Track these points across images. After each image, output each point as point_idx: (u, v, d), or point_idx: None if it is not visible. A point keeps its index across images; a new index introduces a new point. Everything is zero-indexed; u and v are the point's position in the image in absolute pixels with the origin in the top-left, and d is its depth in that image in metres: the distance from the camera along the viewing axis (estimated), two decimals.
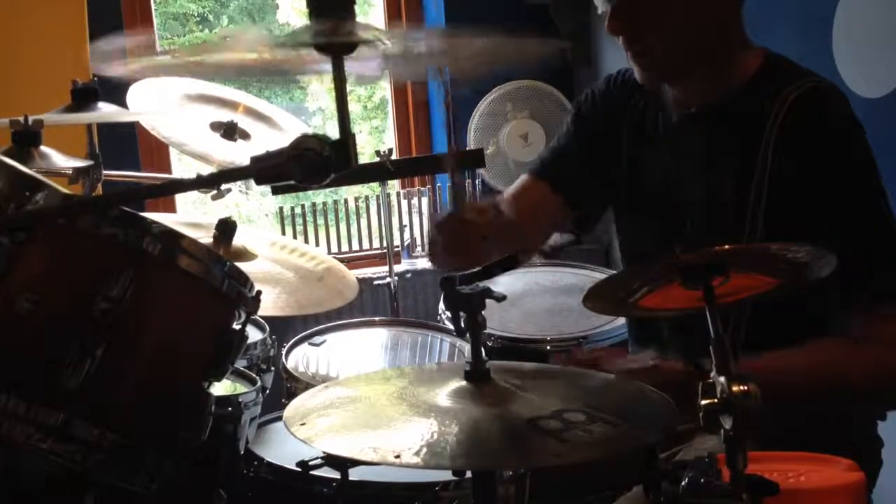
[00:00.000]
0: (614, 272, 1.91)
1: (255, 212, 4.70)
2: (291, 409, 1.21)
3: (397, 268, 3.02)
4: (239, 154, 2.26)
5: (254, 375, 1.92)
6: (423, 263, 3.48)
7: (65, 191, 1.30)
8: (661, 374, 1.35)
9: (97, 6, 2.94)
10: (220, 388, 1.71)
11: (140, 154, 3.26)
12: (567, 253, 3.10)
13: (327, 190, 3.39)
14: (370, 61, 1.03)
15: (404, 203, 3.48)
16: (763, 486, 1.00)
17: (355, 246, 3.49)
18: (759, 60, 1.53)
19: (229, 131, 2.34)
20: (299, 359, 2.10)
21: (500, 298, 1.23)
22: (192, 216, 2.77)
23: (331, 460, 1.28)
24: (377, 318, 2.46)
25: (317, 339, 2.20)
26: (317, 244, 3.38)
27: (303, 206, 3.42)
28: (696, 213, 1.56)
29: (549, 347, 2.25)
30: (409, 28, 3.45)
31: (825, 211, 1.42)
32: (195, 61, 1.00)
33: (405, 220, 3.49)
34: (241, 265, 1.42)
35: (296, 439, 1.12)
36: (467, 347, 1.20)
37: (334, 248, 3.42)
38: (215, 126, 2.36)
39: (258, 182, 0.95)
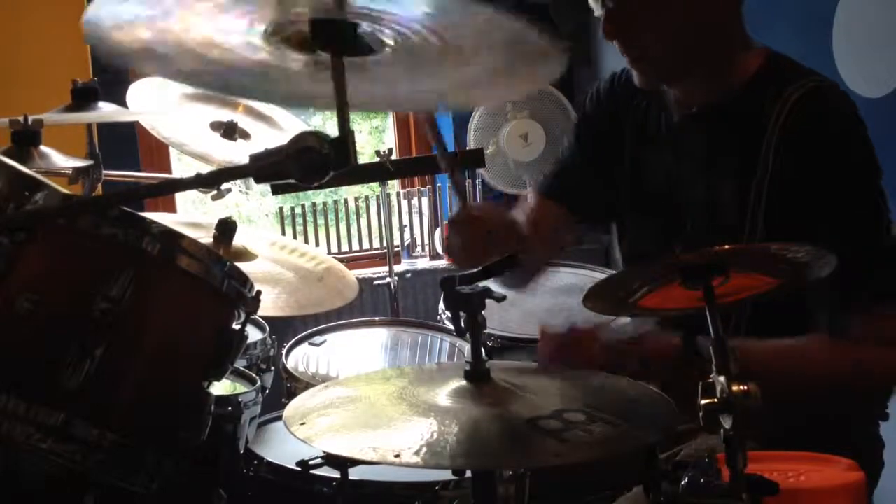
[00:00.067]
0: (614, 272, 1.91)
1: (255, 212, 4.70)
2: (291, 409, 1.21)
3: (397, 268, 3.02)
4: (239, 154, 2.26)
5: (254, 375, 1.92)
6: (423, 263, 3.48)
7: (65, 191, 1.30)
8: (648, 346, 1.36)
9: None
10: (220, 388, 1.72)
11: (140, 154, 3.26)
12: (567, 253, 3.10)
13: (327, 190, 3.39)
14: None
15: (404, 203, 3.49)
16: (763, 486, 1.00)
17: (355, 246, 3.49)
18: (760, 60, 1.53)
19: (229, 131, 2.34)
20: (299, 359, 2.10)
21: (500, 298, 1.23)
22: (192, 216, 2.76)
23: (331, 460, 1.28)
24: (377, 318, 2.47)
25: (317, 339, 2.20)
26: (317, 244, 3.38)
27: (303, 206, 3.42)
28: (696, 214, 1.56)
29: None
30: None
31: (825, 211, 1.41)
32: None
33: (405, 220, 3.49)
34: (241, 265, 1.42)
35: (296, 439, 1.12)
36: (467, 347, 1.20)
37: (334, 248, 3.42)
38: (215, 126, 2.36)
39: (257, 180, 0.95)
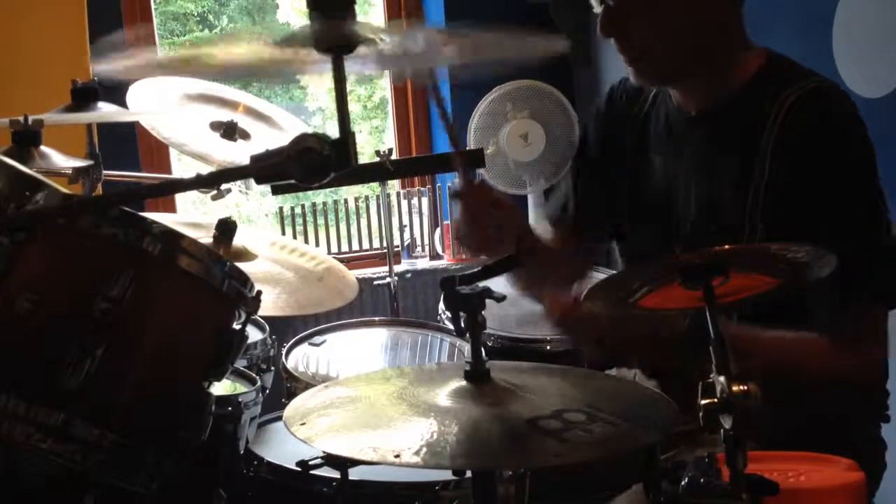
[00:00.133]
0: (614, 272, 1.91)
1: (255, 212, 4.71)
2: (291, 409, 1.21)
3: (397, 268, 3.02)
4: (239, 154, 2.26)
5: (254, 375, 1.92)
6: (423, 263, 3.48)
7: (65, 191, 1.30)
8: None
9: (97, 6, 2.94)
10: (220, 388, 1.71)
11: (140, 154, 3.26)
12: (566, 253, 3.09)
13: (327, 190, 3.39)
14: (369, 60, 1.03)
15: (404, 203, 3.49)
16: (763, 486, 1.00)
17: (355, 246, 3.49)
18: (760, 60, 1.53)
19: (229, 131, 2.34)
20: (299, 359, 2.10)
21: (500, 298, 1.23)
22: (192, 216, 2.77)
23: (331, 460, 1.28)
24: (377, 318, 2.46)
25: (317, 339, 2.20)
26: (317, 244, 3.38)
27: (303, 206, 3.42)
28: (696, 216, 1.56)
29: (549, 347, 2.25)
30: (409, 26, 3.44)
31: (824, 212, 1.41)
32: (194, 61, 1.00)
33: (405, 220, 3.49)
34: (241, 265, 1.42)
35: (296, 439, 1.12)
36: (467, 347, 1.20)
37: (334, 248, 3.42)
38: (215, 126, 2.36)
39: (258, 181, 0.95)
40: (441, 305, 2.36)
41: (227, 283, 1.31)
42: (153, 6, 3.33)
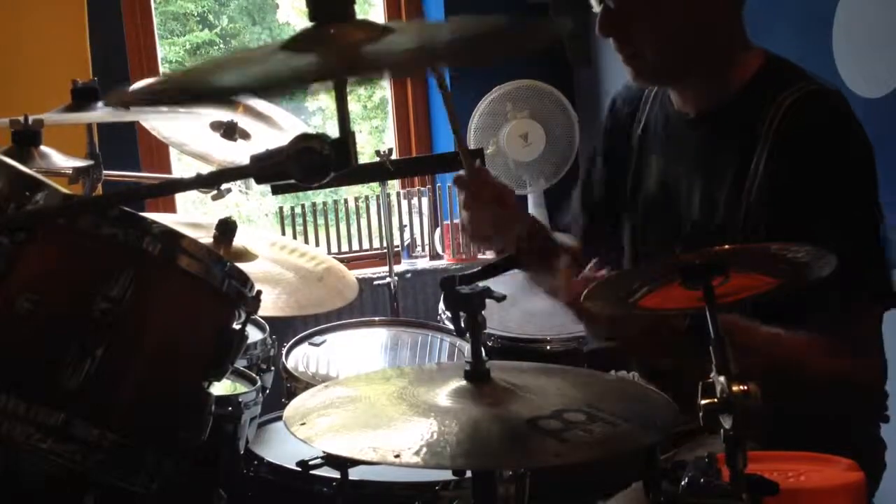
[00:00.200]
0: (615, 272, 1.91)
1: (255, 212, 4.70)
2: (291, 409, 1.21)
3: (397, 268, 3.02)
4: (239, 154, 2.26)
5: (254, 375, 1.92)
6: (423, 263, 3.48)
7: (65, 191, 1.30)
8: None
9: (97, 6, 2.94)
10: (220, 388, 1.71)
11: (140, 154, 3.26)
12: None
13: (327, 190, 3.39)
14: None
15: (404, 203, 3.48)
16: (763, 486, 1.00)
17: (355, 246, 3.49)
18: (758, 61, 1.53)
19: (229, 131, 2.34)
20: (299, 359, 2.10)
21: (500, 298, 1.23)
22: (192, 216, 2.77)
23: (331, 460, 1.28)
24: (377, 318, 2.47)
25: (317, 339, 2.20)
26: (317, 244, 3.37)
27: (303, 206, 3.42)
28: (696, 216, 1.56)
29: (549, 347, 2.25)
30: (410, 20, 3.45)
31: (822, 214, 1.41)
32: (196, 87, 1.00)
33: (405, 220, 3.49)
34: (242, 265, 1.42)
35: (296, 439, 1.12)
36: (467, 347, 1.21)
37: (334, 248, 3.42)
38: (215, 126, 2.36)
39: (258, 181, 0.95)
40: (441, 305, 2.36)
41: (227, 283, 1.31)
42: (153, 6, 3.33)
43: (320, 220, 3.42)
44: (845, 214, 1.41)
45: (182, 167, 3.48)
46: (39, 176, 1.30)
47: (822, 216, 1.40)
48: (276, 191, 2.41)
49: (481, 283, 1.22)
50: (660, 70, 1.55)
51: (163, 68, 3.49)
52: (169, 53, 4.54)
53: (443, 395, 1.16)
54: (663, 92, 1.66)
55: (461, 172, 1.67)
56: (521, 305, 2.40)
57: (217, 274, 1.30)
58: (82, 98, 2.15)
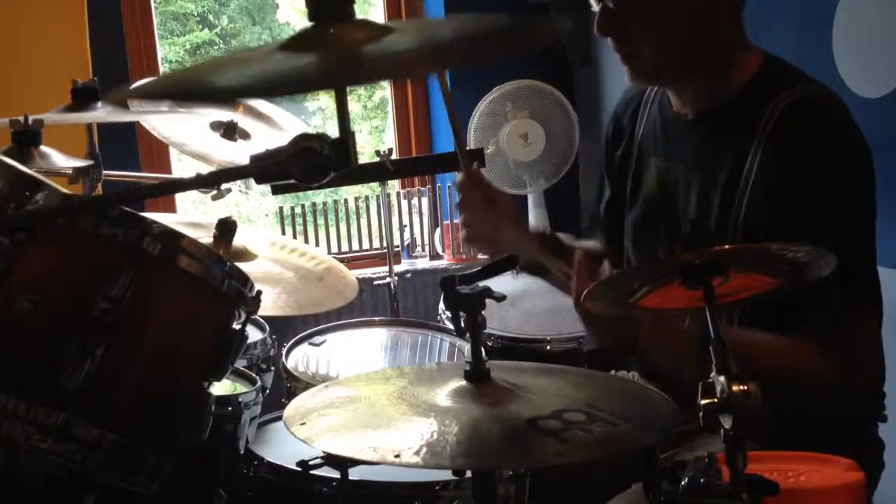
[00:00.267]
0: (615, 272, 1.91)
1: (255, 212, 4.70)
2: (291, 409, 1.21)
3: (397, 268, 3.02)
4: (239, 154, 2.26)
5: (254, 375, 1.92)
6: (423, 263, 3.48)
7: (65, 191, 1.30)
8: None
9: (97, 6, 2.94)
10: (220, 388, 1.71)
11: (140, 154, 3.26)
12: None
13: (327, 190, 3.39)
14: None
15: (404, 203, 3.49)
16: (763, 486, 1.00)
17: (355, 246, 3.49)
18: (757, 62, 1.53)
19: (229, 131, 2.34)
20: (299, 359, 2.10)
21: (500, 298, 1.23)
22: (192, 216, 2.76)
23: (331, 460, 1.28)
24: (377, 318, 2.47)
25: (317, 339, 2.20)
26: (317, 244, 3.38)
27: (303, 206, 3.42)
28: (695, 216, 1.56)
29: (549, 347, 2.25)
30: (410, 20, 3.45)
31: (814, 220, 1.41)
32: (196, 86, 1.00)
33: (405, 220, 3.49)
34: (241, 265, 1.42)
35: (296, 439, 1.12)
36: (467, 347, 1.21)
37: (334, 248, 3.42)
38: (215, 126, 2.36)
39: (258, 181, 0.95)
40: (441, 305, 2.36)
41: (227, 283, 1.31)
42: (153, 6, 3.33)
43: (320, 220, 3.42)
44: (843, 218, 1.41)
45: (182, 167, 3.48)
46: (39, 176, 1.30)
47: (820, 220, 1.40)
48: (276, 191, 2.41)
49: (481, 283, 1.22)
50: (658, 70, 1.55)
51: (163, 68, 3.49)
52: (169, 53, 4.54)
53: (443, 395, 1.16)
54: (662, 93, 1.66)
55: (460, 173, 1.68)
56: (521, 305, 2.40)
57: (217, 274, 1.30)
58: (82, 98, 2.15)
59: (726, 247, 1.08)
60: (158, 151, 3.31)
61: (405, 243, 3.50)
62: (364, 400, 1.21)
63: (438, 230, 3.51)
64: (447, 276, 1.22)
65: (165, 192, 2.69)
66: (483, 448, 1.06)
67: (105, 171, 2.25)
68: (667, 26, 1.49)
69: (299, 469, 1.32)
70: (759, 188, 1.44)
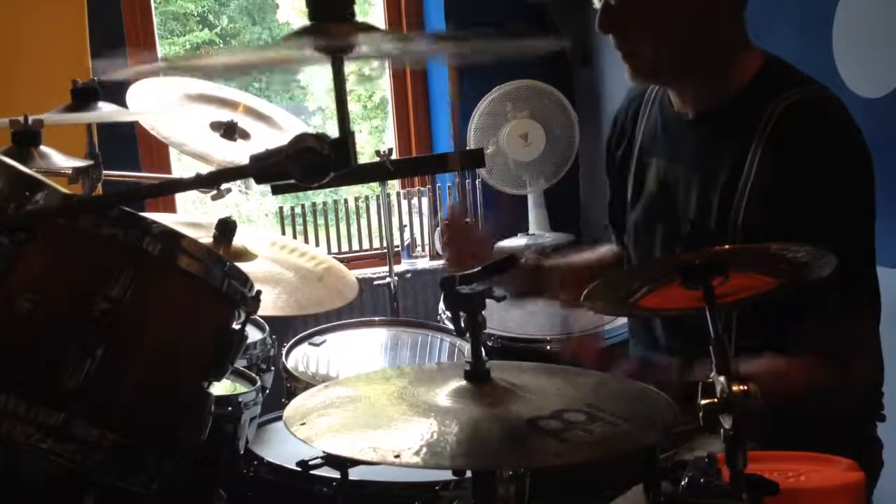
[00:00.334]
0: (615, 272, 1.91)
1: (255, 212, 4.70)
2: (291, 409, 1.21)
3: (397, 268, 3.02)
4: (239, 154, 2.26)
5: (254, 375, 1.92)
6: (423, 263, 3.48)
7: (65, 191, 1.30)
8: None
9: (97, 6, 2.94)
10: (220, 388, 1.71)
11: (140, 154, 3.26)
12: (567, 253, 3.09)
13: (327, 190, 3.39)
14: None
15: (404, 203, 3.49)
16: (763, 486, 1.00)
17: (355, 246, 3.49)
18: (758, 62, 1.53)
19: (229, 131, 2.34)
20: (299, 359, 2.10)
21: (500, 298, 1.23)
22: (192, 216, 2.77)
23: (331, 460, 1.28)
24: (377, 318, 2.47)
25: (317, 339, 2.20)
26: (317, 244, 3.38)
27: (303, 206, 3.42)
28: (695, 216, 1.56)
29: (549, 347, 2.25)
30: (409, 30, 3.45)
31: (813, 221, 1.41)
32: (195, 65, 1.00)
33: (405, 220, 3.49)
34: (241, 265, 1.42)
35: (296, 439, 1.12)
36: (467, 347, 1.20)
37: (334, 248, 3.42)
38: (215, 126, 2.36)
39: (258, 181, 0.95)
40: (441, 305, 2.36)
41: (227, 283, 1.31)
42: (153, 6, 3.33)
43: (320, 220, 3.42)
44: (843, 218, 1.42)
45: (182, 167, 3.48)
46: (39, 176, 1.30)
47: (820, 220, 1.40)
48: (276, 191, 2.40)
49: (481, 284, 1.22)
50: (658, 69, 1.55)
51: None
52: (169, 53, 4.54)
53: (443, 395, 1.16)
54: (663, 93, 1.66)
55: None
56: (521, 305, 2.40)
57: (217, 274, 1.30)
58: (82, 98, 2.15)
59: (726, 247, 1.08)
60: (158, 151, 3.31)
61: (405, 243, 3.50)
62: (364, 400, 1.21)
63: (438, 230, 3.51)
64: (447, 276, 1.22)
65: (165, 192, 2.69)
66: (483, 448, 1.06)
67: (105, 171, 2.25)
68: (667, 26, 1.49)
69: (299, 469, 1.32)
70: (759, 189, 1.44)
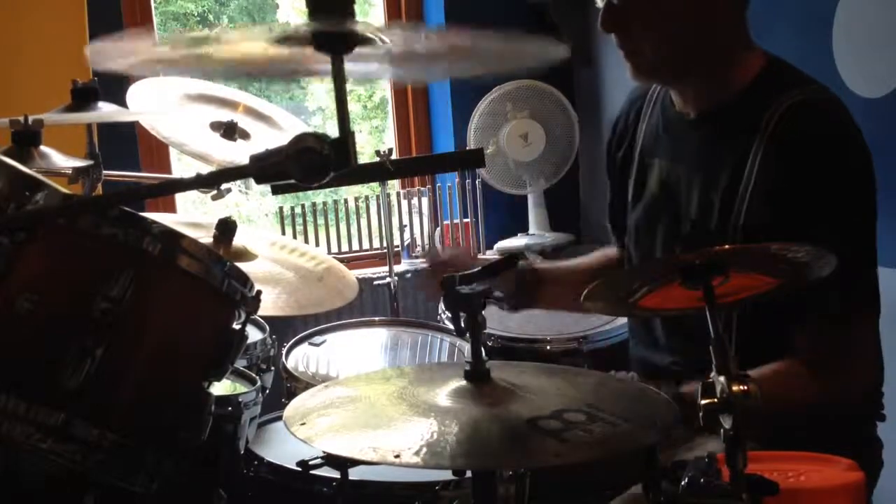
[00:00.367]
0: (615, 272, 1.92)
1: (255, 212, 4.70)
2: (291, 409, 1.21)
3: (397, 268, 3.02)
4: (239, 154, 2.26)
5: (254, 375, 1.92)
6: (424, 263, 3.47)
7: (65, 191, 1.30)
8: None
9: (97, 6, 2.94)
10: (220, 388, 1.71)
11: (140, 154, 3.25)
12: (567, 253, 3.09)
13: (327, 190, 3.39)
14: (370, 62, 1.03)
15: (404, 203, 3.48)
16: (763, 486, 1.00)
17: (355, 246, 3.49)
18: (759, 63, 1.53)
19: (229, 131, 2.34)
20: (299, 359, 2.10)
21: (500, 298, 1.23)
22: (192, 216, 2.76)
23: (331, 460, 1.28)
24: (377, 318, 2.46)
25: (317, 339, 2.20)
26: (317, 244, 3.37)
27: (303, 206, 3.42)
28: (696, 216, 1.56)
29: (549, 347, 2.25)
30: (409, 26, 3.44)
31: (813, 222, 1.41)
32: (194, 55, 1.00)
33: (405, 220, 3.49)
34: (241, 265, 1.42)
35: (296, 439, 1.12)
36: (467, 347, 1.20)
37: (334, 248, 3.42)
38: (215, 126, 2.36)
39: (258, 181, 0.95)
40: (441, 305, 2.36)
41: (227, 283, 1.31)
42: (153, 6, 3.33)
43: (320, 220, 3.42)
44: (843, 219, 1.42)
45: (182, 167, 3.48)
46: (39, 176, 1.30)
47: (820, 221, 1.40)
48: (276, 191, 2.40)
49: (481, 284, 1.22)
50: (659, 68, 1.55)
51: None
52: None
53: (443, 395, 1.16)
54: (665, 93, 1.66)
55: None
56: None
57: (217, 274, 1.30)
58: (82, 98, 2.15)
59: (726, 247, 1.08)
60: (158, 151, 3.31)
61: (405, 243, 3.50)
62: (364, 400, 1.21)
63: (438, 230, 3.51)
64: (447, 276, 1.22)
65: (165, 192, 2.68)
66: (483, 448, 1.06)
67: (105, 171, 2.25)
68: (667, 26, 1.50)
69: (299, 469, 1.32)
70: (760, 189, 1.44)
